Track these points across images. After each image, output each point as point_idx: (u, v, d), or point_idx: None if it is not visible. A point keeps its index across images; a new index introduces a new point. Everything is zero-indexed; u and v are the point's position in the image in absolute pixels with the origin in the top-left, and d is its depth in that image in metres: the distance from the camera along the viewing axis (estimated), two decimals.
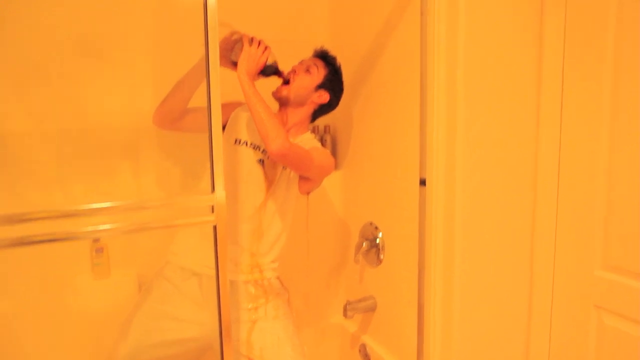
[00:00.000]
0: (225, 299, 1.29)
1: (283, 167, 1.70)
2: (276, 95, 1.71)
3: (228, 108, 1.73)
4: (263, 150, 1.69)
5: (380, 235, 1.95)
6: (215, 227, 1.26)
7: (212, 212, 1.25)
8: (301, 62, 1.72)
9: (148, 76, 2.01)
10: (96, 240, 1.99)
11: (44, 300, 1.96)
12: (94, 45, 1.90)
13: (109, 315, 2.03)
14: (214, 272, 1.34)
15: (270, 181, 1.69)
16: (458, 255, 1.59)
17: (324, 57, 1.75)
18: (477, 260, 1.62)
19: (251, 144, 1.68)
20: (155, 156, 2.07)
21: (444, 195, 1.59)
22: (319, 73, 1.70)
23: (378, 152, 1.93)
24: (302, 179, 1.70)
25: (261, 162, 1.68)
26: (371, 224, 2.00)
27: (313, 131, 2.19)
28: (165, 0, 1.99)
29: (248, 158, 1.68)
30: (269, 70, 1.62)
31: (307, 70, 1.70)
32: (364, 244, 1.97)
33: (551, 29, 1.59)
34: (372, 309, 2.03)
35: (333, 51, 1.79)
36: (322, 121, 2.25)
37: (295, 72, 1.70)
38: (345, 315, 1.99)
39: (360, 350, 2.07)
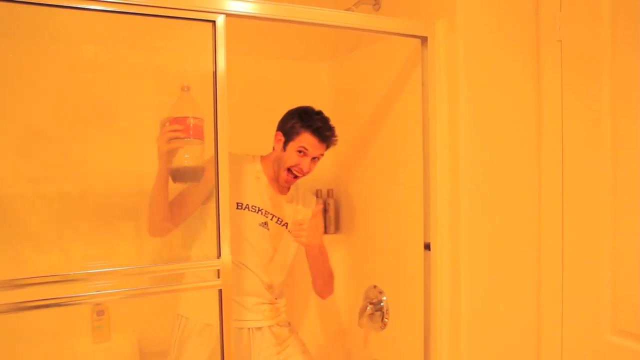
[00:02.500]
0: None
1: (288, 229, 1.79)
2: (286, 186, 1.81)
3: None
4: (265, 213, 1.76)
5: (384, 298, 1.94)
6: (220, 291, 1.26)
7: (218, 277, 1.25)
8: (305, 153, 1.73)
9: (152, 140, 2.04)
10: (97, 303, 1.97)
11: None
12: (99, 110, 1.94)
13: None
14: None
15: (276, 239, 1.80)
16: (464, 321, 1.57)
17: (327, 145, 1.78)
18: (483, 327, 1.60)
19: (252, 207, 1.75)
20: None
21: (449, 260, 1.60)
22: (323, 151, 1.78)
23: (382, 216, 1.95)
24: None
25: (264, 224, 1.77)
26: (375, 287, 1.99)
27: (316, 195, 2.21)
28: (173, 68, 2.04)
29: (252, 221, 1.75)
30: (175, 175, 1.51)
31: (315, 158, 1.77)
32: (368, 307, 1.95)
33: (548, 83, 1.63)
34: None
35: (335, 116, 1.83)
36: (325, 185, 2.28)
37: (307, 172, 1.77)
38: None
39: None
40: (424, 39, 1.60)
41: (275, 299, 1.83)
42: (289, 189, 1.86)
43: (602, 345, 1.53)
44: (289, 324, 1.90)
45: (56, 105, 1.87)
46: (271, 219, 1.79)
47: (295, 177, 1.76)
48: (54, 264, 1.87)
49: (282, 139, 1.76)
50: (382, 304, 1.94)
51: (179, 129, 1.43)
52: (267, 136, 1.89)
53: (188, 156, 1.46)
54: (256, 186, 1.76)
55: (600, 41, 1.49)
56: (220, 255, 1.25)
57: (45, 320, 1.90)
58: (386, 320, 1.93)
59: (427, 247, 1.65)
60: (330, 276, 1.90)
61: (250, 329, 1.77)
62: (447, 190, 1.59)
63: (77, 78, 1.89)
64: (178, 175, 1.49)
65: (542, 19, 1.64)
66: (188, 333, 1.75)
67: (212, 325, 1.69)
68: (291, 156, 1.73)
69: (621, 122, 1.46)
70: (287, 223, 1.82)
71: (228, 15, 1.26)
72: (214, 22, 1.25)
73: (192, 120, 1.44)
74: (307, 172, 1.76)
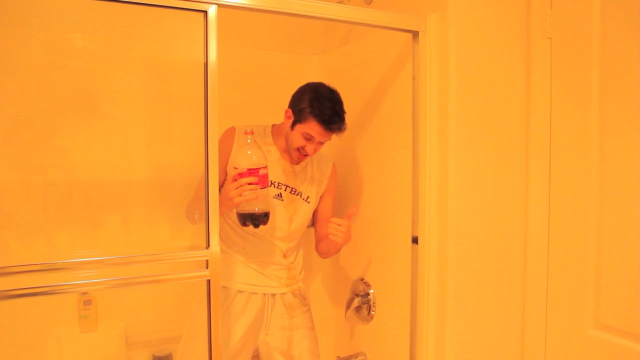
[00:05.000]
0: (217, 350, 1.28)
1: (302, 198, 1.84)
2: (297, 162, 1.82)
3: (225, 143, 1.77)
4: (278, 185, 1.79)
5: (371, 291, 1.95)
6: (209, 282, 1.26)
7: (207, 267, 1.25)
8: (310, 140, 1.74)
9: (141, 131, 2.04)
10: (84, 293, 1.97)
11: (29, 350, 1.92)
12: (88, 99, 1.92)
13: None
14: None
15: (292, 211, 1.84)
16: (450, 314, 1.59)
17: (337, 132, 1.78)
18: (469, 320, 1.62)
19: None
20: (144, 208, 2.07)
21: (437, 254, 1.61)
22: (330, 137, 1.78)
23: (370, 210, 1.96)
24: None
25: (279, 196, 1.81)
26: (362, 280, 2.00)
27: None
28: (163, 57, 2.03)
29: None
30: (246, 219, 1.60)
31: (320, 143, 1.77)
32: (355, 300, 1.97)
33: (537, 81, 1.65)
34: None
35: None
36: None
37: (314, 153, 1.78)
38: None
39: None
40: (415, 34, 1.61)
41: (291, 263, 1.89)
42: (299, 162, 1.88)
43: (585, 340, 1.55)
44: (304, 297, 1.94)
45: (43, 93, 1.85)
46: (285, 190, 1.81)
47: (303, 155, 1.77)
48: (39, 254, 1.86)
49: (292, 117, 1.75)
50: (369, 296, 1.95)
51: (254, 181, 1.53)
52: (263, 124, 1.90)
53: (258, 206, 1.58)
54: (268, 159, 1.75)
55: (589, 39, 1.51)
56: (209, 245, 1.25)
57: (32, 310, 1.89)
58: (373, 313, 1.94)
59: (414, 240, 1.66)
60: (338, 250, 1.95)
61: (266, 295, 1.83)
62: (436, 185, 1.60)
63: (65, 66, 1.88)
64: (247, 220, 1.59)
65: (533, 16, 1.65)
66: (230, 301, 1.80)
67: (249, 292, 1.82)
68: (297, 138, 1.73)
69: (609, 119, 1.47)
70: (301, 192, 1.84)
71: (220, 5, 1.26)
72: (205, 12, 1.24)
73: (262, 170, 1.56)
74: (314, 154, 1.78)
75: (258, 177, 1.54)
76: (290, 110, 1.76)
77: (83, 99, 1.91)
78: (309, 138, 1.72)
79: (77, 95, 1.90)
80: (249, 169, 1.53)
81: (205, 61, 1.25)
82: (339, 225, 1.74)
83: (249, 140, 1.57)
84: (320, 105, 1.69)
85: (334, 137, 1.77)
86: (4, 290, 1.10)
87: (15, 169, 1.84)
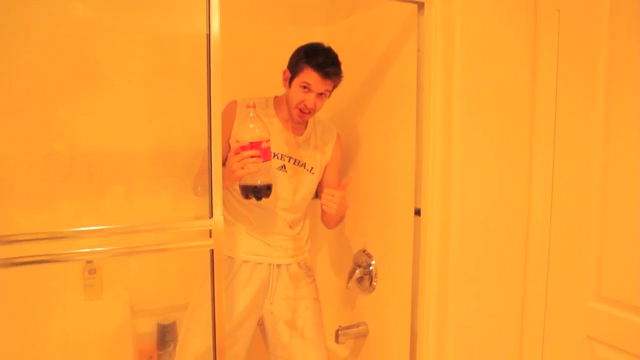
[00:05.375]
0: (221, 320, 1.29)
1: (306, 169, 1.84)
2: (299, 121, 1.80)
3: (227, 116, 1.77)
4: (281, 157, 1.80)
5: (373, 262, 1.96)
6: (212, 251, 1.27)
7: (210, 236, 1.26)
8: (309, 89, 1.73)
9: (143, 102, 2.03)
10: (89, 261, 1.99)
11: (35, 319, 1.95)
12: (91, 70, 1.91)
13: (99, 337, 2.02)
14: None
15: (296, 182, 1.84)
16: (451, 285, 1.60)
17: (333, 80, 1.77)
18: (470, 290, 1.63)
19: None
20: (147, 179, 2.08)
21: (439, 225, 1.61)
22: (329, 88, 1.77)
23: (373, 181, 1.96)
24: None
25: (282, 168, 1.81)
26: (365, 251, 2.01)
27: None
28: (165, 28, 2.01)
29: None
30: (248, 192, 1.61)
31: (322, 95, 1.75)
32: (357, 270, 1.98)
33: (544, 55, 1.63)
34: (364, 335, 2.03)
35: None
36: None
37: (315, 107, 1.76)
38: (336, 340, 1.99)
39: None
40: (420, 5, 1.58)
41: (297, 234, 1.90)
42: (305, 127, 1.88)
43: (585, 312, 1.56)
44: (309, 268, 1.96)
45: (45, 64, 1.84)
46: (288, 161, 1.82)
47: (305, 113, 1.76)
48: (43, 224, 1.87)
49: (289, 75, 1.76)
50: (371, 268, 1.97)
51: (256, 154, 1.54)
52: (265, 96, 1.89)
53: (260, 179, 1.59)
54: (270, 131, 1.74)
55: (599, 11, 1.48)
56: (212, 215, 1.25)
57: (37, 279, 1.91)
58: (374, 284, 1.96)
59: (417, 212, 1.66)
60: (342, 218, 1.97)
61: (271, 265, 1.85)
62: (439, 157, 1.60)
63: (67, 37, 1.86)
64: (250, 192, 1.61)
65: None
66: (235, 271, 1.82)
67: (254, 262, 1.84)
68: (296, 93, 1.73)
69: (616, 94, 1.46)
70: (304, 163, 1.85)
71: None
72: None
73: (265, 144, 1.56)
74: (314, 109, 1.75)
75: (260, 150, 1.55)
76: (286, 70, 1.77)
77: (85, 70, 1.90)
78: (306, 87, 1.72)
79: (79, 66, 1.89)
80: (251, 142, 1.54)
81: (207, 32, 1.23)
82: (332, 195, 1.75)
83: (251, 114, 1.57)
84: (314, 54, 1.71)
85: (337, 106, 1.76)
86: (9, 258, 1.11)
87: (18, 140, 1.85)
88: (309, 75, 1.70)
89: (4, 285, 1.85)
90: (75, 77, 1.89)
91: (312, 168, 1.86)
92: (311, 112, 1.76)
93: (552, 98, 1.62)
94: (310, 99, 1.72)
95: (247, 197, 1.62)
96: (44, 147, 1.88)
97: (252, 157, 1.54)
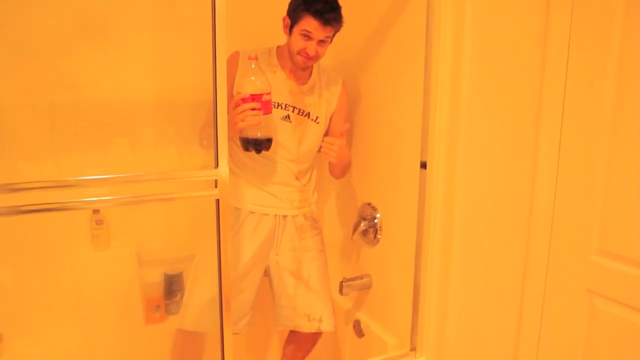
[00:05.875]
0: (227, 269, 1.31)
1: (311, 119, 1.83)
2: (302, 67, 1.77)
3: (229, 68, 1.74)
4: (285, 107, 1.78)
5: (378, 215, 1.97)
6: (218, 201, 1.27)
7: (216, 186, 1.26)
8: (309, 36, 1.69)
9: (147, 52, 2.01)
10: (96, 212, 2.00)
11: (44, 269, 1.98)
12: (95, 21, 1.89)
13: (107, 286, 2.06)
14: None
15: (301, 132, 1.83)
16: (456, 237, 1.61)
17: (333, 26, 1.73)
18: (474, 242, 1.64)
19: (272, 103, 1.72)
20: (152, 131, 2.08)
21: (444, 179, 1.61)
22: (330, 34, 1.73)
23: (380, 133, 1.94)
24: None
25: (286, 118, 1.80)
26: (369, 204, 2.01)
27: None
28: None
29: (274, 117, 1.75)
30: (248, 144, 1.62)
31: (323, 42, 1.72)
32: (362, 223, 1.99)
33: (557, 20, 1.59)
34: (368, 287, 2.06)
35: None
36: None
37: (317, 55, 1.72)
38: (340, 292, 2.02)
39: (354, 326, 2.11)
40: None
41: (304, 185, 1.91)
42: (310, 76, 1.85)
43: (587, 265, 1.58)
44: (315, 220, 1.98)
45: (49, 14, 1.82)
46: (292, 111, 1.81)
47: (307, 59, 1.73)
48: (48, 175, 1.88)
49: (289, 22, 1.73)
50: (375, 220, 1.97)
51: (256, 107, 1.54)
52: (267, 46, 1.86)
53: (260, 132, 1.60)
54: (274, 81, 1.73)
55: None
56: (218, 165, 1.25)
57: (45, 229, 1.93)
58: (379, 236, 1.97)
59: (423, 165, 1.65)
60: (347, 167, 1.97)
61: (277, 216, 1.87)
62: (447, 110, 1.58)
63: None
64: (250, 145, 1.62)
65: None
66: (241, 222, 1.84)
67: (260, 213, 1.85)
68: (296, 40, 1.70)
69: (628, 65, 1.43)
70: (309, 113, 1.83)
71: None
72: None
73: (265, 96, 1.56)
74: (316, 56, 1.72)
75: (261, 102, 1.55)
76: (286, 17, 1.74)
77: (90, 21, 1.88)
78: (306, 36, 1.69)
79: (83, 17, 1.87)
80: (251, 95, 1.54)
81: None
82: (331, 144, 1.75)
83: (252, 66, 1.56)
84: (312, 1, 1.67)
85: (343, 55, 1.73)
86: (16, 206, 1.11)
87: (23, 91, 1.84)
88: (309, 23, 1.67)
89: (13, 234, 1.88)
90: (79, 27, 1.87)
91: (317, 117, 1.84)
92: (313, 59, 1.73)
93: (564, 55, 1.59)
94: (311, 47, 1.69)
95: (247, 149, 1.63)
96: (48, 98, 1.87)
97: (252, 109, 1.54)
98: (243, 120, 1.54)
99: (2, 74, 1.80)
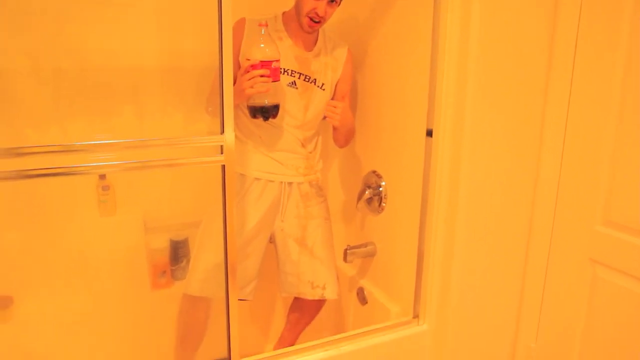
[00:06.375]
0: (232, 235, 1.32)
1: (317, 85, 1.82)
2: (309, 30, 1.75)
3: (235, 34, 1.73)
4: (291, 73, 1.78)
5: (383, 183, 1.97)
6: (224, 167, 1.28)
7: (221, 152, 1.27)
8: None
9: (153, 17, 1.99)
10: (102, 178, 2.01)
11: (51, 234, 2.00)
12: None
13: (113, 252, 2.08)
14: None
15: (307, 98, 1.82)
16: (460, 206, 1.61)
17: None
18: (478, 210, 1.64)
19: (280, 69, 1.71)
20: (158, 97, 2.07)
21: (450, 147, 1.60)
22: None
23: (385, 101, 1.93)
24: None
25: (293, 84, 1.79)
26: (374, 172, 2.01)
27: None
28: None
29: (280, 83, 1.74)
30: (256, 111, 1.61)
31: (333, 1, 1.70)
32: (367, 191, 1.99)
33: (565, 13, 1.57)
34: (372, 254, 2.07)
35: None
36: None
37: (325, 16, 1.70)
38: (345, 259, 2.04)
39: (357, 294, 2.13)
40: None
41: (310, 152, 1.91)
42: (315, 42, 1.84)
43: (592, 235, 1.58)
44: (320, 188, 1.99)
45: None
46: (299, 78, 1.80)
47: (315, 22, 1.71)
48: (54, 140, 1.88)
49: None
50: (380, 189, 1.98)
51: (266, 74, 1.54)
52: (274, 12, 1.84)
53: (268, 99, 1.60)
54: (280, 48, 1.71)
55: None
56: (223, 131, 1.25)
57: (52, 194, 1.95)
58: (384, 205, 1.97)
59: (429, 133, 1.65)
60: (351, 135, 1.98)
61: (283, 183, 1.88)
62: (454, 78, 1.56)
63: None
64: (257, 112, 1.62)
65: None
66: (247, 188, 1.84)
67: (266, 180, 1.86)
68: (307, 1, 1.68)
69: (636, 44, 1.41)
70: (315, 79, 1.83)
71: None
72: None
73: (275, 63, 1.56)
74: (325, 17, 1.70)
75: (270, 69, 1.54)
76: None
77: None
78: None
79: None
80: (261, 61, 1.53)
81: None
82: (334, 107, 1.77)
83: (262, 32, 1.55)
84: None
85: (350, 22, 1.71)
86: (22, 170, 1.12)
87: (27, 56, 1.83)
88: None
89: (20, 198, 1.89)
90: None
91: (322, 84, 1.83)
92: (322, 20, 1.71)
93: (573, 32, 1.56)
94: (321, 7, 1.67)
95: (254, 116, 1.63)
96: (52, 63, 1.86)
97: (261, 76, 1.53)
98: (252, 87, 1.54)
99: (6, 39, 1.79)
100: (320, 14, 1.68)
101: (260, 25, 1.56)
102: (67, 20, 1.84)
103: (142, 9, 1.95)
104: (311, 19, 1.70)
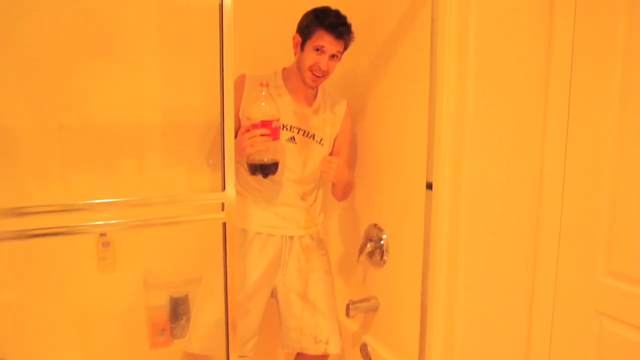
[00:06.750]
0: (233, 292, 1.30)
1: (315, 140, 1.84)
2: (311, 85, 1.79)
3: (235, 91, 1.75)
4: (290, 128, 1.80)
5: (384, 237, 1.97)
6: (224, 224, 1.28)
7: (223, 209, 1.27)
8: (322, 51, 1.72)
9: (156, 74, 2.03)
10: (103, 234, 2.01)
11: (49, 291, 1.97)
12: (103, 41, 1.91)
13: (112, 309, 2.05)
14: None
15: (306, 153, 1.85)
16: (462, 259, 1.60)
17: (345, 40, 1.76)
18: (480, 264, 1.64)
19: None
20: (160, 151, 2.09)
21: (450, 200, 1.61)
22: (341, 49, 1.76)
23: (385, 154, 1.95)
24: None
25: (292, 139, 1.82)
26: (376, 225, 2.01)
27: None
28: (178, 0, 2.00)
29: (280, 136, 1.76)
30: (255, 169, 1.64)
31: (334, 57, 1.75)
32: (368, 245, 1.99)
33: (560, 30, 1.60)
34: (375, 309, 2.05)
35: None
36: None
37: (328, 70, 1.75)
38: (347, 314, 2.01)
39: (361, 350, 2.09)
40: None
41: (310, 205, 1.91)
42: (315, 98, 1.87)
43: (595, 286, 1.57)
44: (322, 241, 1.98)
45: (57, 34, 1.84)
46: (298, 133, 1.82)
47: (318, 77, 1.75)
48: (56, 197, 1.89)
49: (300, 39, 1.75)
50: (382, 242, 1.97)
51: (266, 133, 1.57)
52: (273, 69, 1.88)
53: (267, 157, 1.63)
54: (279, 103, 1.74)
55: None
56: (224, 188, 1.26)
57: (52, 251, 1.93)
58: (385, 258, 1.96)
59: (429, 186, 1.66)
60: (349, 189, 1.98)
61: (284, 237, 1.87)
62: (452, 130, 1.59)
63: (79, 7, 1.85)
64: (257, 170, 1.64)
65: None
66: (248, 243, 1.84)
67: (267, 234, 1.85)
68: (309, 56, 1.73)
69: (632, 76, 1.44)
70: (314, 134, 1.85)
71: None
72: None
73: (275, 123, 1.59)
74: (328, 71, 1.75)
75: (270, 129, 1.58)
76: (297, 35, 1.77)
77: (98, 40, 1.90)
78: (320, 51, 1.71)
79: (91, 36, 1.89)
80: (262, 121, 1.57)
81: (220, 1, 1.22)
82: (329, 162, 1.77)
83: (263, 93, 1.59)
84: (325, 15, 1.72)
85: (349, 77, 1.74)
86: (23, 230, 1.12)
87: (31, 111, 1.85)
88: (322, 37, 1.70)
89: (19, 257, 1.88)
90: (87, 47, 1.89)
91: (321, 139, 1.85)
92: (324, 75, 1.75)
93: (567, 74, 1.60)
94: (323, 61, 1.72)
95: (254, 173, 1.65)
96: (56, 118, 1.89)
97: (262, 135, 1.57)
98: (252, 146, 1.57)
99: (10, 94, 1.82)
100: (323, 68, 1.72)
101: (261, 85, 1.60)
102: (70, 75, 1.88)
103: (144, 64, 2.00)
104: (314, 73, 1.74)
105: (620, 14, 1.46)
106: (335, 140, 1.91)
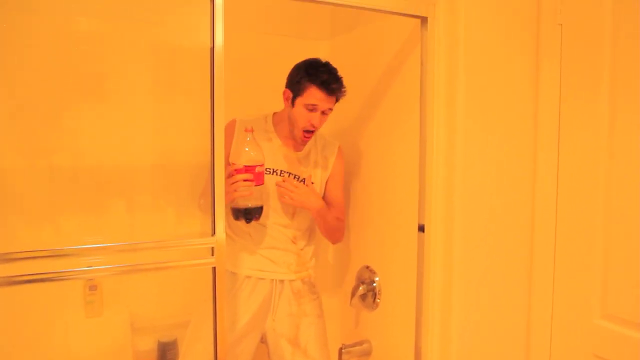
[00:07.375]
0: (223, 337, 1.28)
1: (306, 184, 1.83)
2: (303, 142, 1.80)
3: (227, 132, 1.76)
4: (280, 173, 1.80)
5: (377, 279, 1.94)
6: (214, 269, 1.26)
7: (212, 254, 1.25)
8: (314, 109, 1.72)
9: (147, 116, 2.04)
10: (90, 279, 1.97)
11: (34, 335, 1.93)
12: (94, 82, 1.92)
13: (99, 354, 2.00)
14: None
15: None
16: (456, 302, 1.58)
17: (337, 96, 1.77)
18: (475, 308, 1.61)
19: (267, 170, 1.76)
20: (150, 194, 2.08)
21: (443, 242, 1.60)
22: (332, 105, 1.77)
23: (377, 196, 1.95)
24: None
25: None
26: (368, 267, 1.99)
27: None
28: (169, 43, 2.02)
29: (269, 183, 1.77)
30: (238, 214, 1.63)
31: (324, 113, 1.75)
32: (361, 287, 1.96)
33: (547, 69, 1.62)
34: (368, 353, 2.01)
35: None
36: None
37: (319, 125, 1.76)
38: (339, 359, 1.97)
39: None
40: (424, 19, 1.58)
41: (301, 250, 1.88)
42: (305, 143, 1.87)
43: (591, 329, 1.54)
44: (313, 285, 1.94)
45: (49, 77, 1.85)
46: (288, 177, 1.81)
47: (310, 132, 1.76)
48: (45, 239, 1.87)
49: (290, 94, 1.75)
50: (374, 284, 1.95)
51: (249, 178, 1.57)
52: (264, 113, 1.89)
53: (251, 202, 1.62)
54: (269, 148, 1.76)
55: (601, 26, 1.48)
56: (214, 232, 1.24)
57: (37, 295, 1.90)
58: (378, 301, 1.94)
59: (421, 229, 1.65)
60: (335, 230, 1.91)
61: (274, 281, 1.84)
62: (443, 172, 1.59)
63: (71, 50, 1.87)
64: (240, 214, 1.62)
65: (543, 1, 1.62)
66: (238, 286, 1.81)
67: (256, 278, 1.83)
68: (301, 113, 1.72)
69: (619, 107, 1.45)
70: (304, 179, 1.83)
71: None
72: None
73: (259, 168, 1.60)
74: (319, 126, 1.76)
75: (254, 174, 1.58)
76: (287, 90, 1.77)
77: (89, 84, 1.91)
78: (312, 109, 1.71)
79: (83, 80, 1.90)
80: (245, 166, 1.57)
81: (211, 46, 1.23)
82: (283, 181, 1.76)
83: (248, 139, 1.59)
84: (316, 71, 1.71)
85: (340, 120, 1.75)
86: (11, 276, 1.10)
87: (21, 154, 1.85)
88: (314, 95, 1.70)
89: (5, 302, 1.84)
90: (77, 90, 1.90)
91: (312, 183, 1.84)
92: (315, 130, 1.76)
93: (555, 114, 1.61)
94: (315, 118, 1.72)
95: (237, 218, 1.64)
96: (46, 160, 1.88)
97: (245, 180, 1.56)
98: (235, 191, 1.56)
99: (1, 135, 1.81)
100: (316, 125, 1.73)
101: (246, 130, 1.60)
102: (61, 116, 1.88)
103: (135, 106, 2.00)
104: (305, 132, 1.74)
105: (604, 45, 1.48)
106: (326, 183, 1.91)
